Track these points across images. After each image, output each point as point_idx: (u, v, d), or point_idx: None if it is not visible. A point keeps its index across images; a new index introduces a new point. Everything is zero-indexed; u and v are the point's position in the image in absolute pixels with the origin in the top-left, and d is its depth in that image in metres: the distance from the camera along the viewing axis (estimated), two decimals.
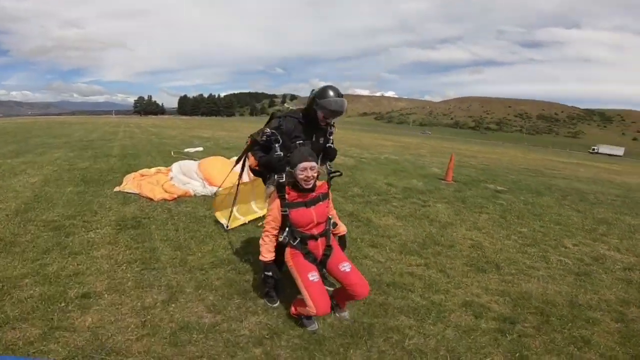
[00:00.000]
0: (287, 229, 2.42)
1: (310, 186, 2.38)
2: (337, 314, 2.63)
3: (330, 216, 2.57)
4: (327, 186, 2.57)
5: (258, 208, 4.51)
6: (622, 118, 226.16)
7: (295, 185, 2.41)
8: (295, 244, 2.43)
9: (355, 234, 4.36)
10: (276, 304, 2.73)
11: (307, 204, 2.41)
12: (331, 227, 2.57)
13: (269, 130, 2.58)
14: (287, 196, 2.39)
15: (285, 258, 2.49)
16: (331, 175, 2.72)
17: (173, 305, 2.62)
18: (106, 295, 2.66)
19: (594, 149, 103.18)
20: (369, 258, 3.71)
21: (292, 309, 2.54)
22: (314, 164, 2.34)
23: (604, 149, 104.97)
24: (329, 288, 2.79)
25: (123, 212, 4.62)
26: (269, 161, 2.57)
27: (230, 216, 4.04)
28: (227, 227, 4.15)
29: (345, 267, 2.44)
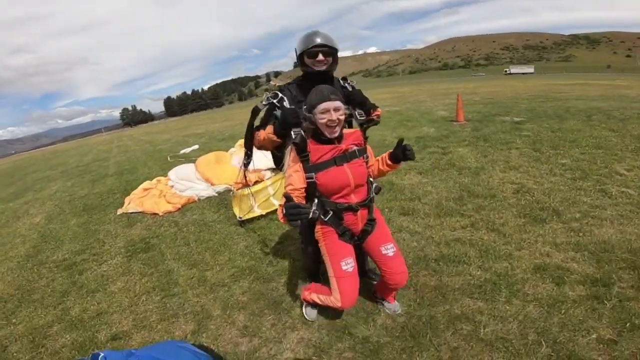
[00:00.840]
0: (315, 200, 1.83)
1: (336, 134, 1.80)
2: (386, 310, 2.21)
3: (371, 179, 1.95)
4: (361, 135, 1.93)
5: (277, 200, 4.13)
6: (609, 39, 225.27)
7: (317, 136, 1.83)
8: (327, 219, 1.86)
9: (380, 202, 3.88)
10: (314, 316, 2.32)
11: (337, 161, 1.80)
12: (374, 194, 1.96)
13: (269, 92, 2.09)
14: (309, 155, 1.79)
15: (316, 236, 1.96)
16: (365, 125, 1.97)
17: (204, 334, 2.33)
18: (135, 334, 2.45)
19: (506, 71, 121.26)
20: (404, 230, 3.23)
21: (306, 292, 2.16)
22: (338, 103, 1.77)
23: (515, 69, 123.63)
24: (373, 282, 2.40)
25: (130, 236, 4.30)
26: (283, 119, 1.92)
27: (248, 211, 3.82)
28: (241, 218, 3.84)
29: (389, 249, 1.93)
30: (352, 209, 1.87)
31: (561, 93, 13.71)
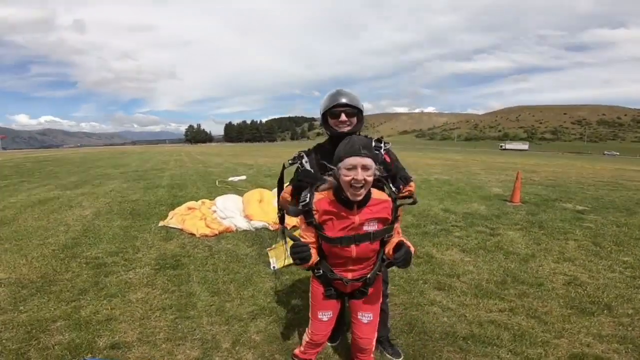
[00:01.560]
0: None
1: (359, 197, 1.55)
2: None
3: (385, 256, 1.71)
4: (390, 207, 1.66)
5: None
6: None
7: (339, 194, 1.60)
8: (317, 275, 1.80)
9: (416, 274, 3.70)
10: (336, 343, 2.46)
11: (342, 242, 1.63)
12: (379, 273, 1.78)
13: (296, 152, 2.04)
14: (315, 214, 1.62)
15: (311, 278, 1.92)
16: (398, 202, 1.69)
17: None
18: (136, 347, 2.41)
19: (501, 146, 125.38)
20: (436, 304, 3.07)
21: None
22: (369, 161, 1.51)
23: (510, 145, 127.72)
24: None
25: (164, 250, 4.42)
26: (298, 181, 1.91)
27: (284, 258, 3.68)
28: (274, 268, 3.76)
29: (365, 317, 1.86)
30: (343, 282, 1.76)
31: (633, 182, 12.56)
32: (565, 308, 3.01)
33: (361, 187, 1.53)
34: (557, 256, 4.30)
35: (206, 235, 4.95)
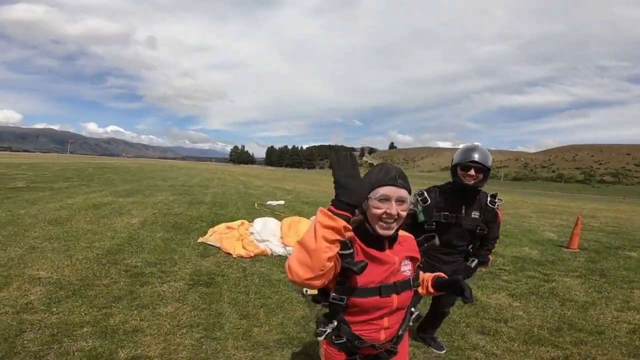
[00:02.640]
0: (334, 321, 1.35)
1: (391, 232, 1.28)
2: None
3: (412, 309, 1.44)
4: (415, 243, 1.45)
5: None
6: None
7: (364, 231, 1.31)
8: (338, 343, 1.38)
9: (459, 316, 3.41)
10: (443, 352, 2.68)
11: (382, 291, 1.30)
12: (409, 323, 1.45)
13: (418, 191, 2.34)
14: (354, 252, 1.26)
15: (320, 352, 1.51)
16: (425, 243, 1.50)
17: None
18: None
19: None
20: (479, 349, 2.80)
21: None
22: (404, 192, 1.27)
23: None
24: None
25: (199, 266, 4.47)
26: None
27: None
28: (307, 292, 3.65)
29: None
30: (374, 347, 1.37)
31: None
32: (629, 356, 2.75)
33: (394, 221, 1.27)
34: (621, 305, 3.94)
35: (242, 256, 4.97)
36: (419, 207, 2.31)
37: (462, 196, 2.30)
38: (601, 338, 3.10)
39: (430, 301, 2.82)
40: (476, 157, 2.17)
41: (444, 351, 2.71)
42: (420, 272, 1.51)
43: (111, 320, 2.88)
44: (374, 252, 1.30)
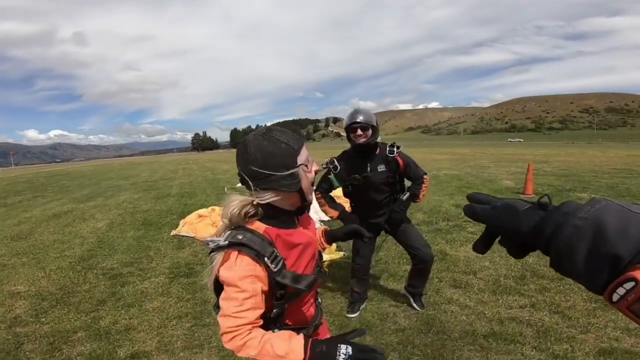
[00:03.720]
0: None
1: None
2: None
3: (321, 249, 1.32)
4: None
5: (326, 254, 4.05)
6: None
7: (277, 215, 1.07)
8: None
9: (431, 272, 3.63)
10: (354, 315, 2.80)
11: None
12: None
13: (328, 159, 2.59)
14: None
15: None
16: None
17: None
18: (155, 356, 2.44)
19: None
20: (453, 302, 3.01)
21: None
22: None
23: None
24: None
25: (177, 258, 4.44)
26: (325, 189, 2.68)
27: None
28: None
29: None
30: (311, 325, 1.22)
31: None
32: (590, 302, 2.91)
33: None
34: None
35: None
36: (331, 175, 2.56)
37: (362, 155, 2.52)
38: (562, 284, 3.25)
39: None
40: (359, 118, 2.41)
41: (424, 309, 2.85)
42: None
43: (102, 323, 2.92)
44: (296, 237, 1.10)
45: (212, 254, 1.01)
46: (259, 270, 0.98)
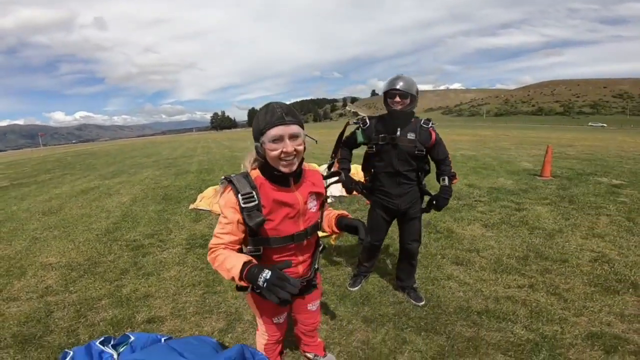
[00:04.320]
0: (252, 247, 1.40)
1: (294, 166, 1.33)
2: None
3: (323, 237, 1.61)
4: (321, 177, 1.55)
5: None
6: None
7: (269, 171, 1.36)
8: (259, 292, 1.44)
9: (435, 248, 3.76)
10: (355, 289, 2.92)
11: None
12: (319, 253, 1.61)
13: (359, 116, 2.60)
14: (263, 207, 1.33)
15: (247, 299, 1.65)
16: (328, 181, 1.64)
17: (230, 334, 2.45)
18: (168, 321, 2.63)
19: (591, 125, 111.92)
20: (452, 279, 3.10)
21: None
22: (295, 128, 1.29)
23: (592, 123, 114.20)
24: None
25: (194, 230, 4.70)
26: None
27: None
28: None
29: (314, 305, 1.78)
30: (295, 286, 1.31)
31: None
32: (589, 285, 2.94)
33: (293, 157, 1.30)
34: (586, 232, 4.16)
35: None
36: (359, 129, 2.54)
37: (395, 121, 2.44)
38: (564, 266, 3.28)
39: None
40: (399, 85, 2.34)
41: (422, 303, 2.71)
42: (327, 209, 1.60)
43: (123, 290, 3.13)
44: (280, 195, 1.36)
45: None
46: (235, 203, 1.30)
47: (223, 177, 1.34)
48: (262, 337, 1.75)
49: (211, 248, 1.33)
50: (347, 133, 2.64)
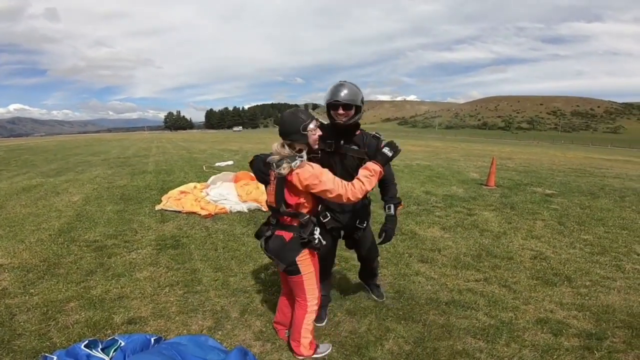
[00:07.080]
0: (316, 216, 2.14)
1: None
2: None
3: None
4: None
5: None
6: None
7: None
8: (324, 233, 2.20)
9: (402, 248, 4.08)
10: (323, 324, 2.57)
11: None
12: None
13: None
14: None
15: (301, 263, 2.05)
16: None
17: (220, 332, 2.47)
18: (151, 321, 2.57)
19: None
20: (420, 274, 3.43)
21: (308, 347, 2.16)
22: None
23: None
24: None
25: (162, 231, 4.58)
26: None
27: None
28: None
29: None
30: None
31: (600, 169, 13.43)
32: (532, 279, 3.38)
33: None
34: (526, 234, 4.75)
35: (206, 216, 5.18)
36: None
37: (339, 133, 2.24)
38: (511, 263, 3.72)
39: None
40: (342, 95, 2.11)
41: (382, 299, 2.88)
42: None
43: (93, 292, 2.97)
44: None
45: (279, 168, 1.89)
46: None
47: (298, 157, 1.88)
48: (312, 309, 2.13)
49: (347, 190, 1.87)
50: None
